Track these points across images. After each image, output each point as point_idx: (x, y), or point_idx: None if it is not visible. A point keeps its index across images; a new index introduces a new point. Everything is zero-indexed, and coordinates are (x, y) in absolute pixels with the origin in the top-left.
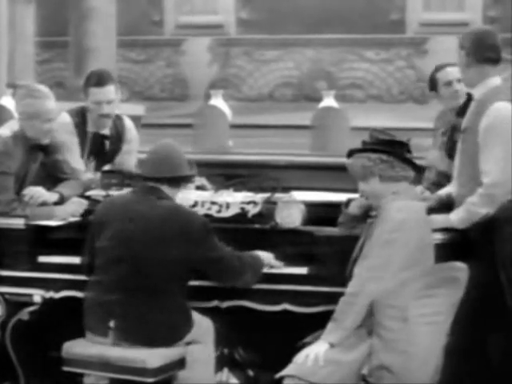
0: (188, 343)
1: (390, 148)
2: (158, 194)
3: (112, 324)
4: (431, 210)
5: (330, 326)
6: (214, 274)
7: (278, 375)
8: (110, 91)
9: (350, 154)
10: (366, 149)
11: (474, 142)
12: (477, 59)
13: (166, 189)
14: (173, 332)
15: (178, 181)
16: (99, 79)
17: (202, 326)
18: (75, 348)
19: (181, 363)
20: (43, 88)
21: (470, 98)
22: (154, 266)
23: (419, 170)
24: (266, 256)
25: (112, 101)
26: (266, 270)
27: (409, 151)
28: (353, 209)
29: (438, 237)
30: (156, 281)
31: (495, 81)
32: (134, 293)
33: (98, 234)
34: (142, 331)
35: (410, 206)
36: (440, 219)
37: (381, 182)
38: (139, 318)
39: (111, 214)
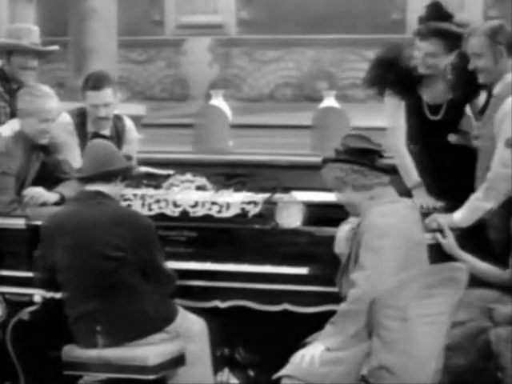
0: (186, 339)
1: (361, 157)
2: (99, 198)
3: (98, 333)
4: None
5: (328, 329)
6: (153, 276)
7: (275, 376)
8: (107, 95)
9: (324, 162)
10: (337, 159)
11: (489, 138)
12: (509, 53)
13: (102, 187)
14: (157, 318)
15: (110, 176)
16: (96, 82)
17: (195, 326)
18: (75, 351)
19: (181, 359)
20: (46, 88)
21: (490, 94)
22: (115, 265)
23: (393, 173)
24: None
25: (109, 104)
26: (266, 271)
27: (381, 156)
28: (346, 233)
29: (439, 237)
30: (123, 278)
31: (510, 76)
32: (109, 294)
33: (51, 249)
34: (128, 327)
35: (393, 209)
36: (442, 218)
37: (354, 191)
38: (122, 317)
39: (60, 228)
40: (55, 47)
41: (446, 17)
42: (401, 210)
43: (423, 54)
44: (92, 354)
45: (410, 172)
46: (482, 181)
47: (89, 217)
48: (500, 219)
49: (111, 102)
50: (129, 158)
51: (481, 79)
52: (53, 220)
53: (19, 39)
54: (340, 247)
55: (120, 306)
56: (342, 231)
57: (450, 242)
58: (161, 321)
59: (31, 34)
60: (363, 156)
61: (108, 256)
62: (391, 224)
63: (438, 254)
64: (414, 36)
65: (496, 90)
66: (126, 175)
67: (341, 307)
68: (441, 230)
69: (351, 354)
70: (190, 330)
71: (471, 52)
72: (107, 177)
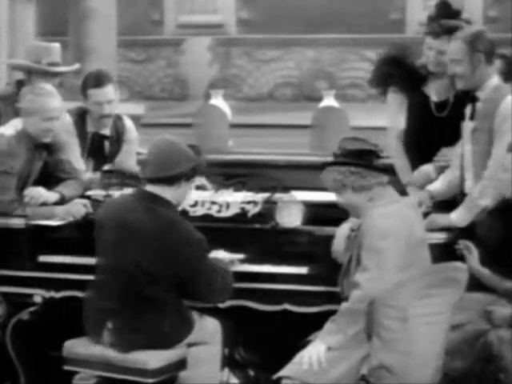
0: (191, 345)
1: (358, 158)
2: (153, 201)
3: (107, 330)
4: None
5: (329, 327)
6: (195, 292)
7: (275, 376)
8: (110, 91)
9: (323, 167)
10: (334, 162)
11: (485, 142)
12: (487, 61)
13: (162, 190)
14: (169, 337)
15: (174, 179)
16: (98, 80)
17: (208, 328)
18: (76, 347)
19: (181, 364)
20: (48, 86)
21: (473, 99)
22: (145, 276)
23: (392, 172)
24: (222, 256)
25: (112, 100)
26: (266, 270)
27: (378, 157)
28: (346, 231)
29: (439, 237)
30: (151, 290)
31: (496, 79)
32: (130, 300)
33: (98, 237)
34: (138, 337)
35: (393, 209)
36: (441, 219)
37: (354, 193)
38: (135, 325)
39: (108, 219)
40: (75, 67)
41: (455, 14)
42: (401, 210)
43: (436, 53)
44: (94, 351)
45: (405, 170)
46: (475, 180)
47: (135, 218)
48: (493, 219)
49: (113, 98)
50: (197, 150)
51: (459, 85)
52: (103, 209)
53: (38, 59)
54: (339, 245)
55: (137, 315)
56: (343, 229)
57: (473, 258)
58: (171, 341)
59: (51, 53)
60: (360, 157)
61: (141, 268)
62: (392, 225)
63: (439, 254)
64: (426, 35)
65: (482, 96)
66: (193, 174)
67: (343, 306)
68: (444, 229)
69: (352, 354)
70: (203, 335)
71: (449, 58)
72: (168, 180)
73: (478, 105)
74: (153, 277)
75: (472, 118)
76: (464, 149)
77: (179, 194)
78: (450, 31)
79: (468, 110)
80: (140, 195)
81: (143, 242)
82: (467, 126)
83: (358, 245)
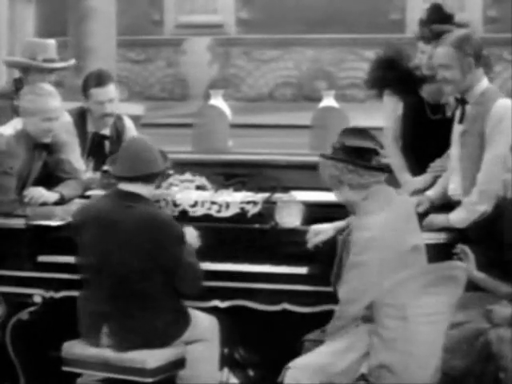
0: (189, 342)
1: (356, 156)
2: (132, 199)
3: (104, 333)
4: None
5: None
6: (178, 280)
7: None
8: (111, 90)
9: (320, 158)
10: (332, 157)
11: (475, 145)
12: (477, 64)
13: (140, 188)
14: (166, 333)
15: (153, 177)
16: (99, 79)
17: (205, 324)
18: (75, 348)
19: (180, 363)
20: (48, 87)
21: (462, 102)
22: (134, 274)
23: (389, 171)
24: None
25: (113, 99)
26: (266, 270)
27: (377, 154)
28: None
29: (437, 237)
30: (140, 287)
31: (485, 82)
32: (122, 300)
33: (78, 240)
34: (135, 336)
35: (380, 219)
36: (439, 219)
37: (351, 190)
38: (131, 325)
39: (86, 224)
40: (71, 62)
41: (447, 18)
42: (389, 218)
43: (428, 57)
44: (92, 352)
45: (401, 170)
46: (469, 191)
47: (113, 218)
48: (489, 221)
49: (115, 97)
50: (165, 156)
51: (447, 90)
52: (78, 215)
53: (34, 55)
54: (320, 229)
55: (132, 315)
56: (329, 227)
57: (470, 265)
58: (168, 337)
59: (47, 49)
60: (358, 155)
61: (127, 266)
62: (375, 237)
63: (438, 254)
64: (417, 39)
65: (472, 99)
66: (166, 174)
67: (331, 324)
68: (442, 230)
69: (350, 355)
70: (200, 332)
71: (438, 63)
72: (147, 178)
73: (468, 108)
74: (140, 274)
75: (461, 121)
76: (452, 152)
77: (153, 191)
78: (441, 36)
79: (457, 113)
80: (117, 194)
81: (126, 240)
82: (456, 129)
83: (347, 250)
